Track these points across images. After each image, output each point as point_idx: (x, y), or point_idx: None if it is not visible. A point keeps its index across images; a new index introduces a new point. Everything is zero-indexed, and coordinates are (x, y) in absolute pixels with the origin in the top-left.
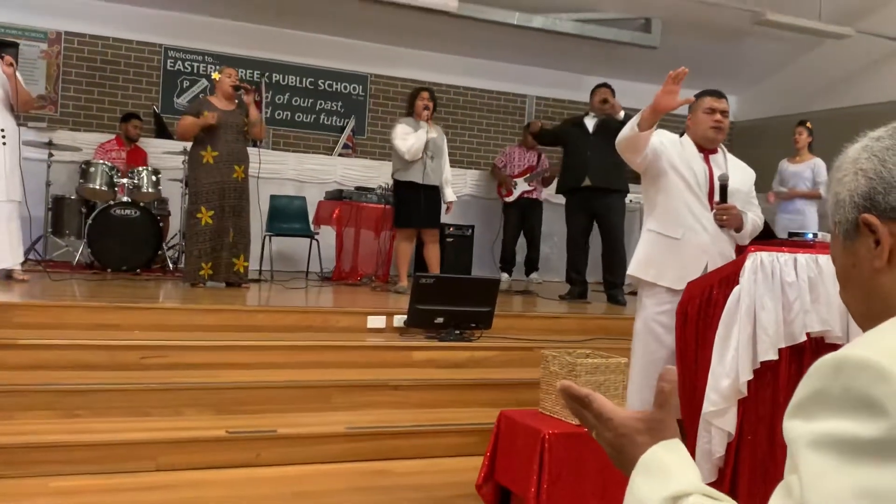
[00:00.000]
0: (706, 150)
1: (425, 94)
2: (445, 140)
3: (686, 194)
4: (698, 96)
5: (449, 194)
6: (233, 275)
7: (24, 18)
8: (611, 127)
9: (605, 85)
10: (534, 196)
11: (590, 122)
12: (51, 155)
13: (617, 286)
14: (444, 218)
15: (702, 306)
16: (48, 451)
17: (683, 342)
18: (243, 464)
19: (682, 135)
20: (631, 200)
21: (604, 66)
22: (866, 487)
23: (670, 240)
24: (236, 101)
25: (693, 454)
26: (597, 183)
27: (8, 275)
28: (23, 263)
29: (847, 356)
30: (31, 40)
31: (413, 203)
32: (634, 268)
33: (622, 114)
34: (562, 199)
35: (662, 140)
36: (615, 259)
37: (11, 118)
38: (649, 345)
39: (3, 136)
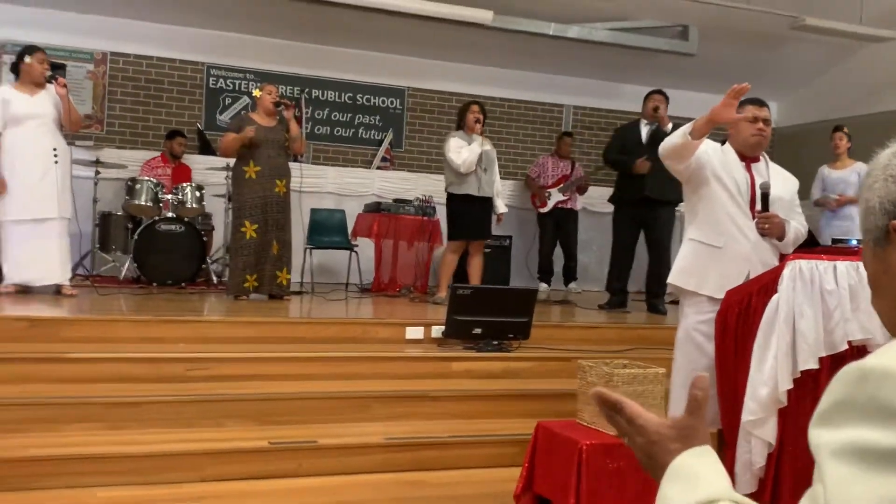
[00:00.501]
0: (748, 158)
1: (476, 108)
2: (495, 152)
3: (728, 203)
4: (740, 105)
5: (500, 205)
6: (276, 287)
7: (71, 40)
8: (661, 137)
9: (658, 92)
10: (568, 206)
11: (643, 131)
12: (97, 172)
13: (658, 296)
14: (502, 229)
15: (741, 315)
16: (95, 462)
17: (723, 351)
18: (285, 474)
19: (723, 143)
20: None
21: (641, 75)
22: (890, 497)
23: (712, 248)
24: (277, 117)
25: (733, 464)
26: (654, 195)
27: (57, 290)
28: (71, 279)
29: (872, 365)
30: (78, 61)
31: (468, 216)
32: (675, 276)
33: (670, 126)
34: (602, 208)
35: (706, 149)
36: (661, 269)
37: (62, 138)
38: (691, 354)
39: (56, 156)
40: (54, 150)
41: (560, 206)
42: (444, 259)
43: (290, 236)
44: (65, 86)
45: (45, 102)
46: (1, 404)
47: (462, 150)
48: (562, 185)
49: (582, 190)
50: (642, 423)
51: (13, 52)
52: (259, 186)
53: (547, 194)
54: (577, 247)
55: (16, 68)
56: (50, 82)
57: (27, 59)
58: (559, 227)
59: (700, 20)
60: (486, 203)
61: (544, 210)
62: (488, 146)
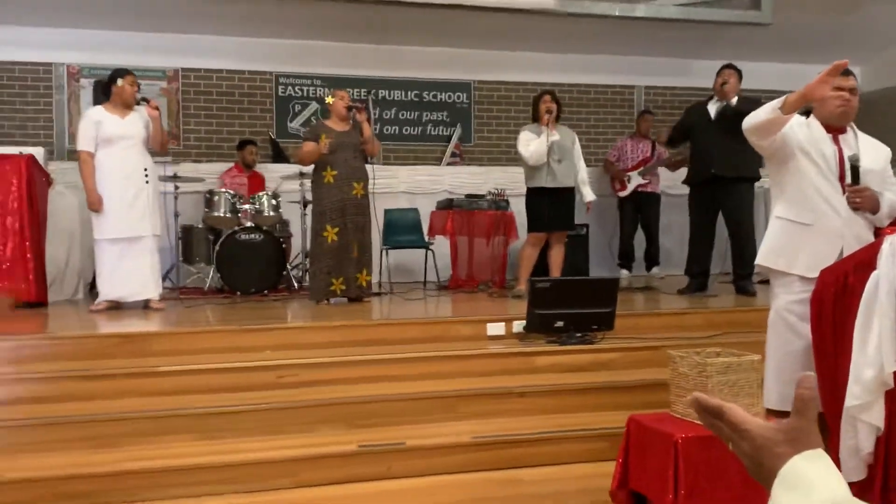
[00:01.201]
0: (835, 130)
1: (547, 98)
2: (576, 140)
3: (816, 178)
4: None
5: (587, 193)
6: (358, 289)
7: (143, 60)
8: (730, 114)
9: (729, 66)
10: (649, 190)
11: (712, 108)
12: (177, 187)
13: (745, 276)
14: (577, 218)
15: (837, 294)
16: (191, 474)
17: (820, 333)
18: (375, 477)
19: (807, 115)
20: (759, 187)
21: (714, 49)
22: None
23: (801, 226)
24: (350, 121)
25: (837, 451)
26: (722, 172)
27: (145, 305)
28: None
29: None
30: (152, 79)
31: (542, 208)
32: (764, 256)
33: (734, 99)
34: (681, 190)
35: (790, 123)
36: (744, 249)
37: (150, 157)
38: (784, 336)
39: (146, 175)
40: (145, 169)
41: (641, 189)
42: (523, 252)
43: (369, 239)
44: (157, 108)
45: (135, 123)
46: (96, 420)
47: (530, 143)
48: (642, 169)
49: (676, 166)
50: (747, 428)
51: (90, 76)
52: (337, 190)
53: (626, 177)
54: (660, 231)
55: (107, 90)
56: (140, 104)
57: (119, 82)
58: (640, 212)
59: None
60: (563, 194)
61: (623, 194)
62: (558, 136)
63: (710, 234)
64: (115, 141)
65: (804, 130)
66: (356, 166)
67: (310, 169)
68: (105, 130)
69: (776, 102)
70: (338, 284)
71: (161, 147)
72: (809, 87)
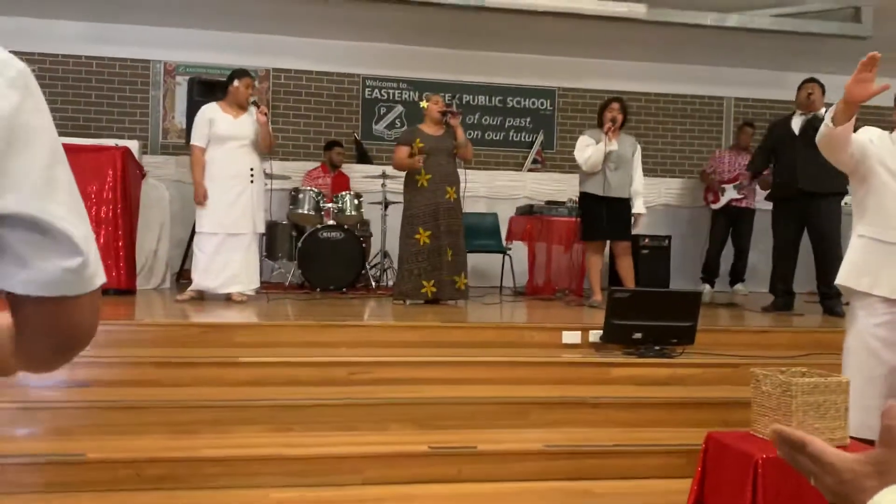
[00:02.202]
0: None
1: (614, 105)
2: (638, 150)
3: None
4: None
5: (637, 206)
6: (454, 292)
7: (236, 60)
8: (815, 127)
9: (812, 80)
10: (744, 205)
11: (796, 123)
12: (264, 184)
13: (833, 297)
14: (640, 229)
15: None
16: (266, 464)
17: None
18: (445, 479)
19: (893, 130)
20: (846, 203)
21: (809, 61)
22: None
23: (884, 245)
24: (444, 125)
25: None
26: (808, 187)
27: (228, 297)
28: (257, 288)
29: None
30: None
31: (594, 215)
32: (844, 276)
33: (823, 110)
34: (768, 206)
35: (871, 137)
36: (831, 268)
37: (257, 157)
38: (865, 362)
39: (252, 174)
40: (251, 169)
41: (735, 204)
42: (588, 261)
43: (462, 241)
44: (265, 113)
45: (246, 124)
46: (176, 406)
47: (586, 149)
48: (738, 183)
49: (767, 185)
50: (831, 461)
51: (185, 73)
52: (431, 194)
53: (721, 189)
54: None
55: (224, 89)
56: (251, 107)
57: (235, 83)
58: (733, 226)
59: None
60: (617, 203)
61: (716, 206)
62: (616, 146)
63: (795, 251)
64: (226, 140)
65: (887, 145)
66: (449, 171)
67: (398, 171)
68: (217, 129)
69: (828, 114)
70: (429, 287)
71: (267, 149)
72: (848, 88)
